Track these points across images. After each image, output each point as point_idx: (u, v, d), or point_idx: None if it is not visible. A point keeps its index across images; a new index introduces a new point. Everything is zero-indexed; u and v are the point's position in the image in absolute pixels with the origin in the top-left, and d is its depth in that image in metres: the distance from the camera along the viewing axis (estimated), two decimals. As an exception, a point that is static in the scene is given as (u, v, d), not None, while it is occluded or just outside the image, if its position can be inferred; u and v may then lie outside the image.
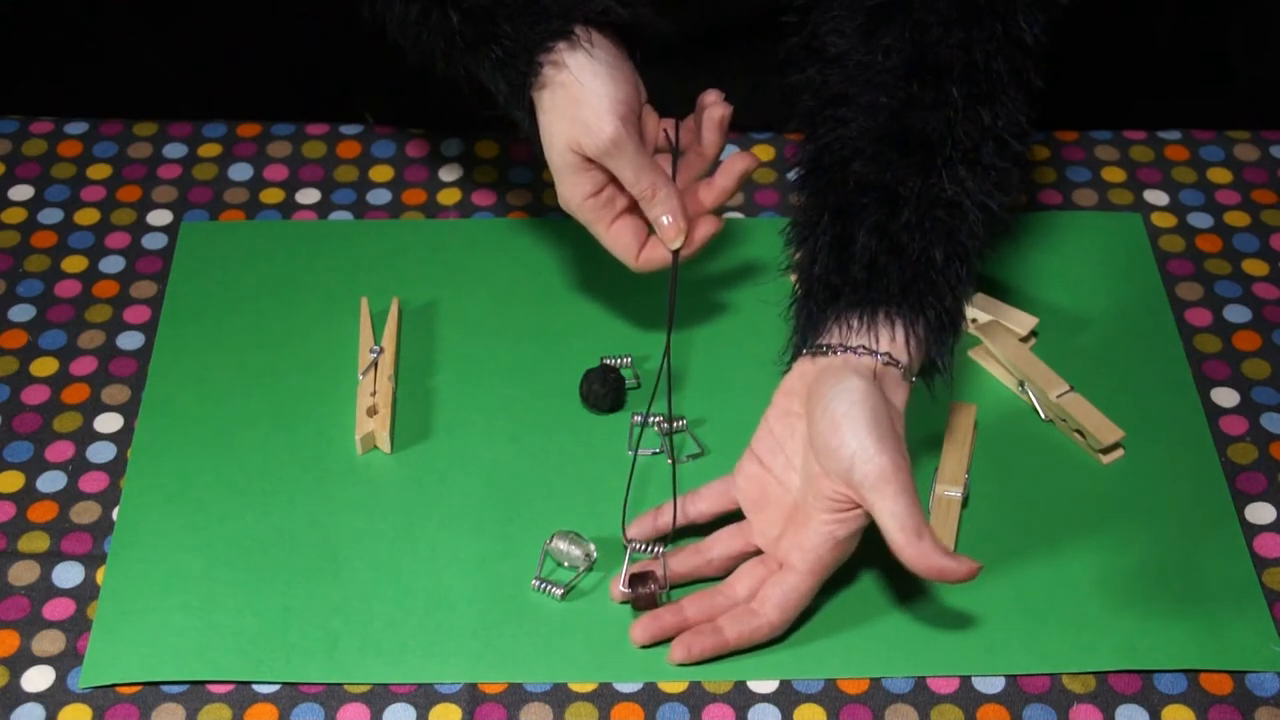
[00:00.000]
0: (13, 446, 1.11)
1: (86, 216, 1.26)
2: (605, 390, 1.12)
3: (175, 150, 1.31)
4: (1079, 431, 1.11)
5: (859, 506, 0.96)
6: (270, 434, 1.12)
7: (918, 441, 1.11)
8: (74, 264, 1.22)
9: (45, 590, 1.04)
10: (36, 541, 1.06)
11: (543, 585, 1.04)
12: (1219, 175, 1.29)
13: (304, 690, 1.00)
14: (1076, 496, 1.09)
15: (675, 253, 1.07)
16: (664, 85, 1.08)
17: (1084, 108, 1.34)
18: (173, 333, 1.18)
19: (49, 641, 1.02)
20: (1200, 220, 1.26)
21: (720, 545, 1.03)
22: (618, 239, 1.07)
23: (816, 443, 0.97)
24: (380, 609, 1.03)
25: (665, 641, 1.01)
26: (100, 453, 1.11)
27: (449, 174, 1.29)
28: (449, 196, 1.28)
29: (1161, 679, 1.00)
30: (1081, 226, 1.25)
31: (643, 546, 1.04)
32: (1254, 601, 1.03)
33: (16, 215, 1.26)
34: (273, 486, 1.09)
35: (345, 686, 1.00)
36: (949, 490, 1.07)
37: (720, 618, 1.00)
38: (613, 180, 1.06)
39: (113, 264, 1.23)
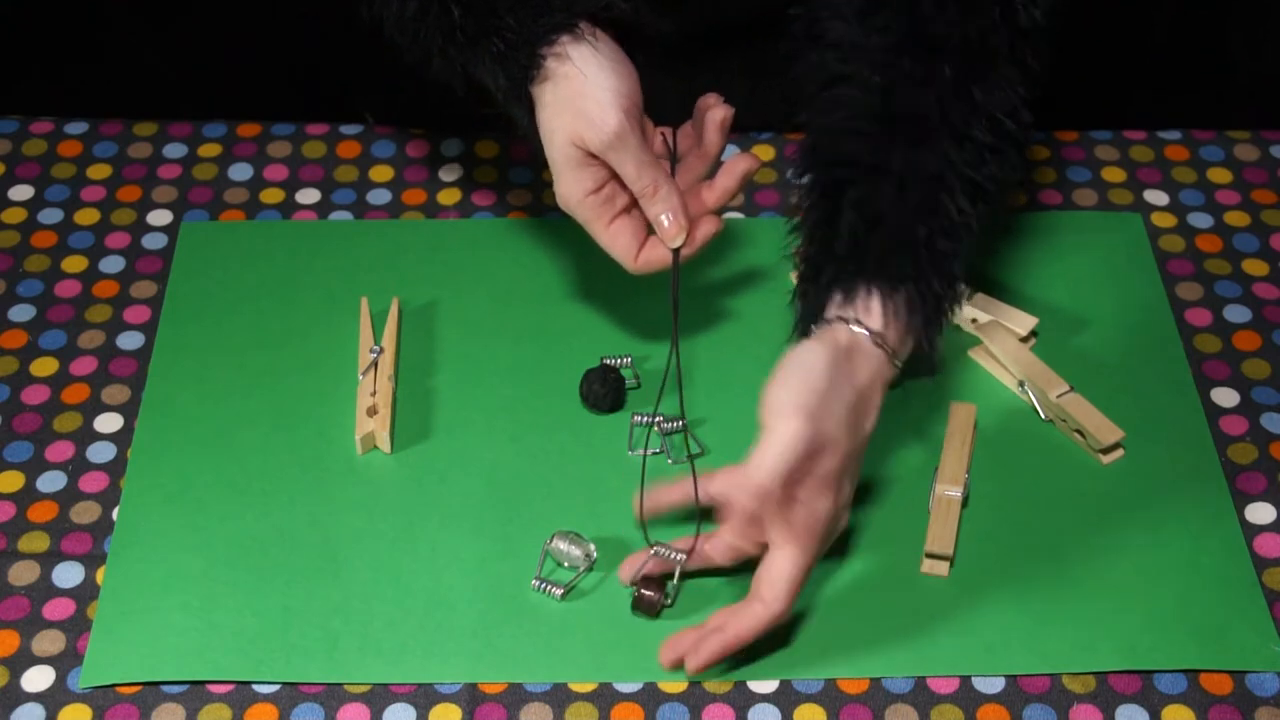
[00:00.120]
0: (13, 446, 1.11)
1: (86, 216, 1.26)
2: (605, 390, 1.12)
3: (175, 150, 1.31)
4: (1079, 431, 1.11)
5: (814, 476, 0.97)
6: (270, 434, 1.12)
7: (918, 441, 1.11)
8: (74, 264, 1.23)
9: (45, 590, 1.04)
10: (36, 541, 1.06)
11: (543, 585, 1.04)
12: (1219, 175, 1.29)
13: (304, 690, 1.00)
14: (1076, 496, 1.09)
15: (676, 252, 1.07)
16: (664, 85, 1.08)
17: (1084, 107, 1.34)
18: (173, 333, 1.18)
19: (49, 641, 1.02)
20: (1200, 220, 1.26)
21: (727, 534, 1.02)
22: (616, 238, 1.06)
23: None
24: (380, 609, 1.03)
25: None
26: (100, 453, 1.11)
27: (449, 174, 1.29)
28: (449, 196, 1.28)
29: (1161, 679, 1.00)
30: (1081, 226, 1.25)
31: (669, 553, 1.02)
32: (1254, 601, 1.03)
33: (16, 215, 1.26)
34: (273, 486, 1.09)
35: (345, 686, 1.00)
36: (949, 490, 1.07)
37: (719, 617, 0.99)
38: (613, 177, 1.05)
39: (113, 264, 1.23)
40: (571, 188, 1.05)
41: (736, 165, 1.08)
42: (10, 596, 1.04)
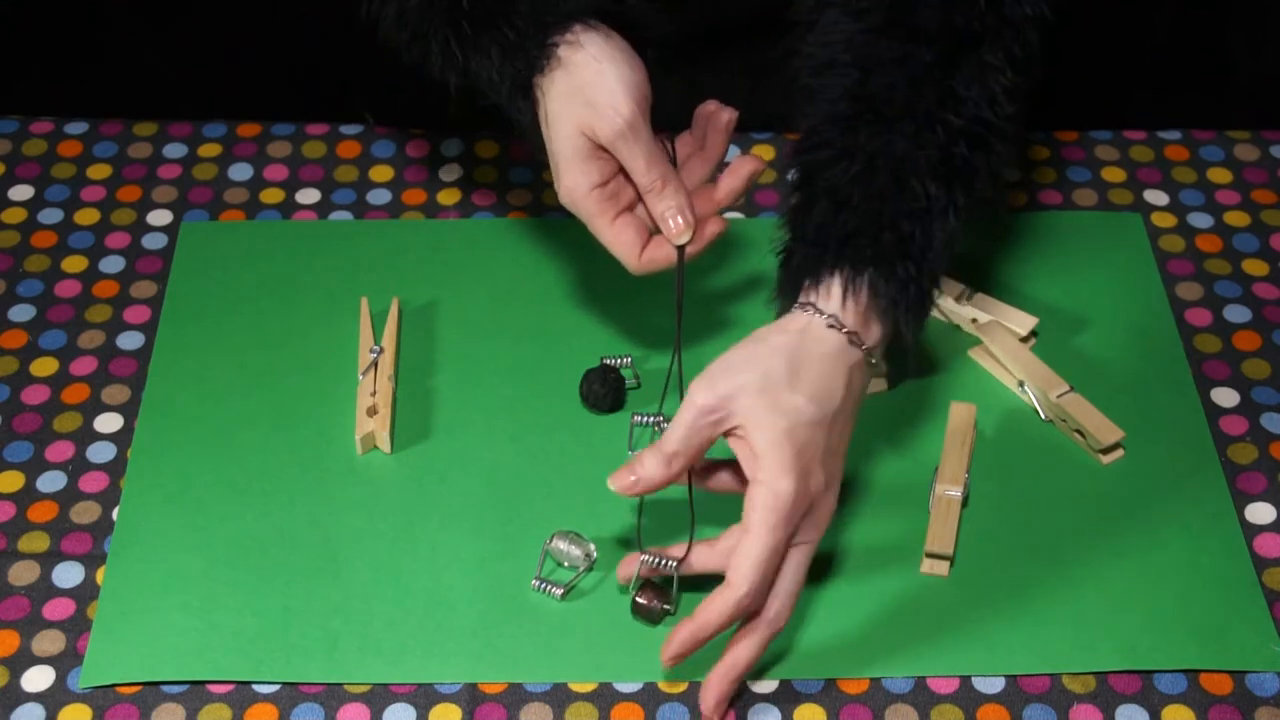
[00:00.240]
0: (13, 446, 1.11)
1: (86, 216, 1.26)
2: (605, 390, 1.12)
3: (175, 150, 1.31)
4: (1079, 431, 1.11)
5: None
6: (270, 434, 1.12)
7: (918, 441, 1.11)
8: (74, 264, 1.23)
9: (45, 590, 1.04)
10: (36, 541, 1.06)
11: (543, 585, 1.04)
12: (1219, 175, 1.30)
13: (304, 690, 1.00)
14: (1076, 496, 1.09)
15: (681, 250, 1.06)
16: (664, 85, 1.08)
17: (1084, 107, 1.34)
18: (173, 333, 1.18)
19: (49, 641, 1.02)
20: (1200, 220, 1.26)
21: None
22: (620, 236, 1.05)
23: None
24: (380, 609, 1.03)
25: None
26: (100, 453, 1.11)
27: (449, 174, 1.29)
28: (449, 196, 1.28)
29: (1161, 679, 1.00)
30: (1081, 226, 1.25)
31: (662, 561, 1.02)
32: (1254, 601, 1.03)
33: (16, 215, 1.26)
34: (273, 486, 1.09)
35: (345, 686, 1.00)
36: (949, 490, 1.07)
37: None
38: (618, 172, 1.05)
39: (113, 264, 1.23)
40: (578, 180, 1.04)
41: (742, 166, 1.07)
42: (10, 596, 1.04)
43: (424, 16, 1.04)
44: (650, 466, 0.97)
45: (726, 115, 1.08)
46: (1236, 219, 1.26)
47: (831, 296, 0.99)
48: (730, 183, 1.07)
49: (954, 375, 1.16)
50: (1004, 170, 1.04)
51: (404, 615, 1.03)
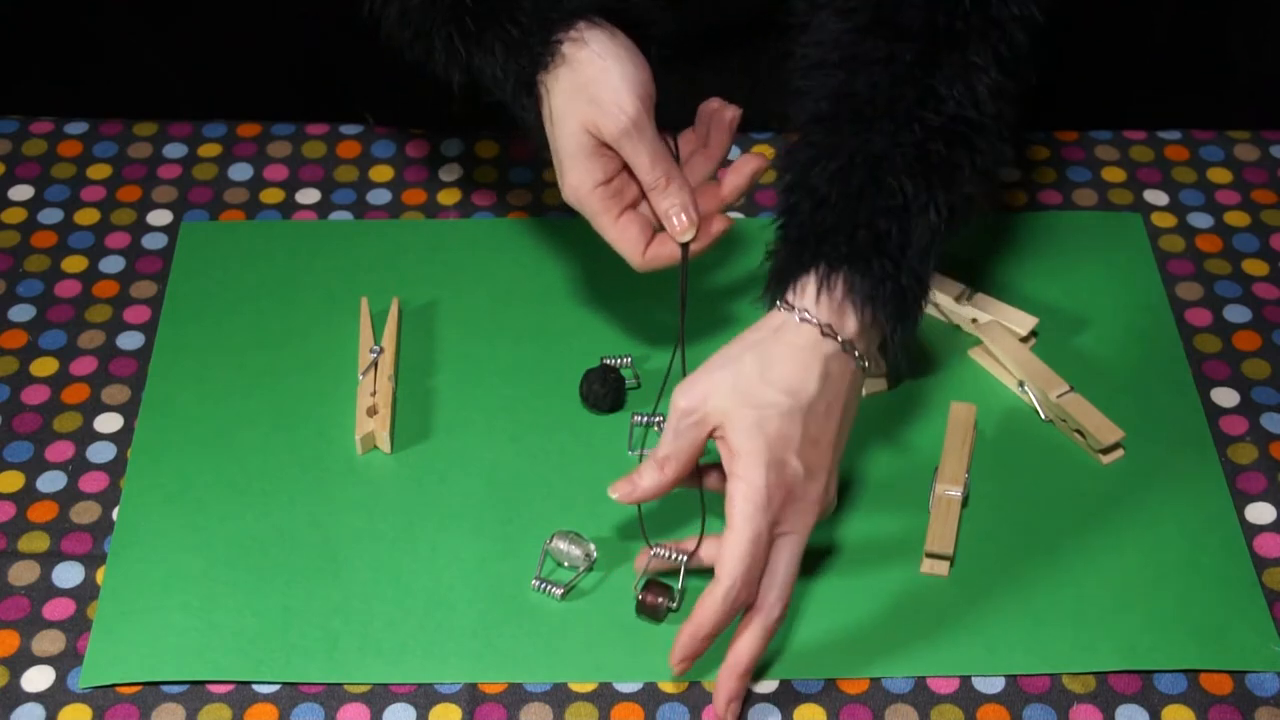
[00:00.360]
0: (13, 446, 1.11)
1: (86, 216, 1.26)
2: (605, 390, 1.12)
3: (175, 150, 1.31)
4: (1079, 431, 1.11)
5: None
6: (270, 434, 1.12)
7: (918, 441, 1.11)
8: (74, 264, 1.23)
9: (45, 590, 1.04)
10: (36, 541, 1.06)
11: (543, 585, 1.04)
12: (1219, 175, 1.30)
13: (304, 690, 1.00)
14: (1076, 496, 1.09)
15: (685, 247, 1.06)
16: (664, 84, 1.08)
17: (1084, 107, 1.34)
18: (173, 333, 1.18)
19: (49, 641, 1.02)
20: (1200, 220, 1.26)
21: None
22: (624, 233, 1.05)
23: None
24: (380, 609, 1.03)
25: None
26: (100, 453, 1.11)
27: (449, 174, 1.29)
28: (449, 196, 1.28)
29: (1161, 679, 1.00)
30: (1081, 226, 1.25)
31: (670, 554, 1.03)
32: (1254, 601, 1.03)
33: (16, 215, 1.26)
34: (273, 486, 1.09)
35: (345, 686, 1.00)
36: (949, 490, 1.07)
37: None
38: (622, 170, 1.05)
39: (113, 264, 1.23)
40: (582, 178, 1.04)
41: (747, 164, 1.08)
42: (10, 596, 1.04)
43: (427, 14, 1.04)
44: (646, 474, 0.98)
45: (730, 113, 1.08)
46: (1236, 219, 1.26)
47: (806, 293, 0.99)
48: (734, 180, 1.08)
49: (954, 375, 1.16)
50: (996, 168, 1.03)
51: (404, 615, 1.03)
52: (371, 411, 1.11)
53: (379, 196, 1.27)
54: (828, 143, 1.00)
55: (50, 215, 1.26)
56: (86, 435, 1.12)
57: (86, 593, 1.04)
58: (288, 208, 1.27)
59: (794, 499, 0.97)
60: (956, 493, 1.07)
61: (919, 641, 1.02)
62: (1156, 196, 1.28)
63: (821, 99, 1.02)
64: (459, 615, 1.03)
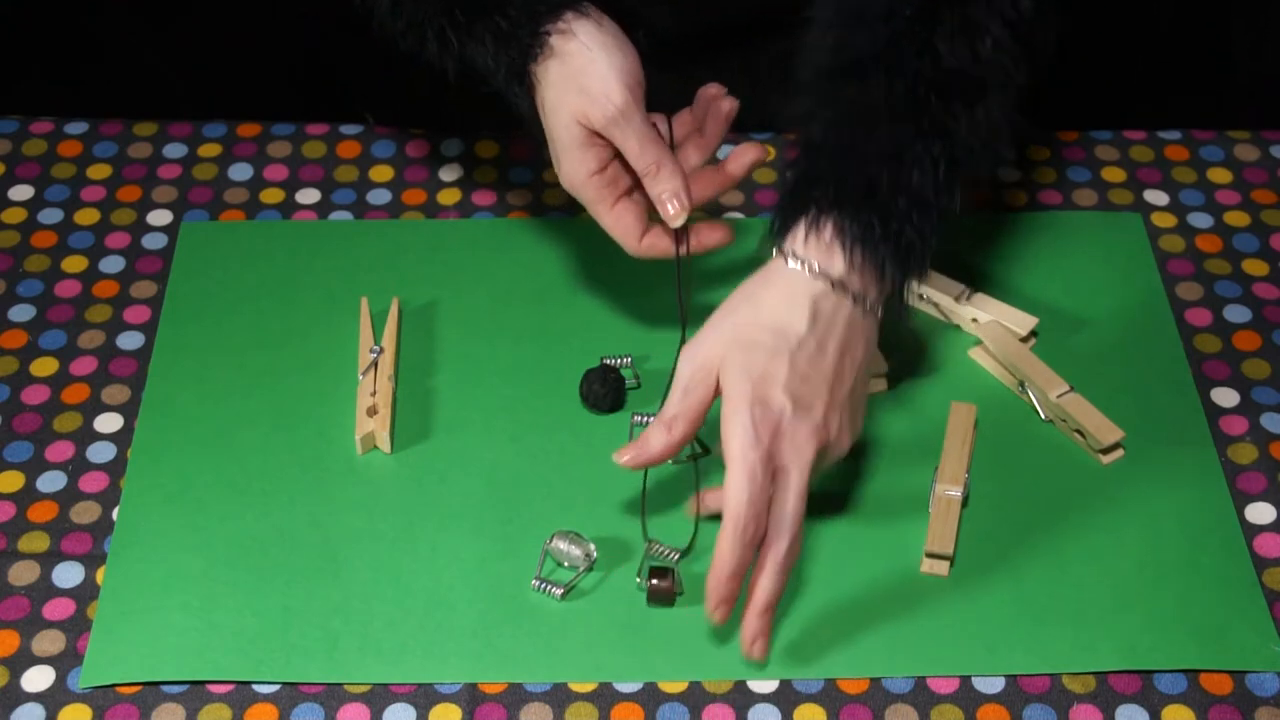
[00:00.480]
0: (13, 446, 1.11)
1: (86, 216, 1.26)
2: (605, 390, 1.12)
3: (175, 150, 1.31)
4: (1079, 431, 1.11)
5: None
6: (270, 434, 1.12)
7: (918, 441, 1.11)
8: (74, 264, 1.23)
9: (45, 590, 1.04)
10: (36, 541, 1.06)
11: (543, 585, 1.04)
12: (1219, 175, 1.29)
13: (304, 690, 1.00)
14: (1076, 496, 1.09)
15: (679, 233, 1.07)
16: (663, 84, 1.08)
17: (1084, 107, 1.34)
18: (173, 333, 1.18)
19: (49, 641, 1.02)
20: (1200, 220, 1.26)
21: None
22: (620, 220, 1.06)
23: None
24: (380, 609, 1.03)
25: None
26: (100, 453, 1.11)
27: (449, 174, 1.29)
28: (449, 196, 1.28)
29: (1161, 679, 1.00)
30: (1081, 226, 1.25)
31: (663, 550, 1.04)
32: (1254, 601, 1.03)
33: (16, 215, 1.26)
34: (273, 486, 1.09)
35: (345, 686, 1.00)
36: (949, 490, 1.07)
37: None
38: (616, 157, 1.05)
39: (113, 264, 1.23)
40: (575, 168, 1.05)
41: (746, 154, 1.08)
42: (10, 596, 1.04)
43: (418, 5, 1.05)
44: (654, 436, 0.99)
45: (728, 105, 1.08)
46: (1236, 219, 1.26)
47: (796, 238, 1.00)
48: (733, 169, 1.09)
49: (954, 375, 1.16)
50: (1001, 123, 1.03)
51: (404, 615, 1.03)
52: (371, 411, 1.11)
53: (379, 196, 1.27)
54: (826, 94, 1.01)
55: (50, 215, 1.26)
56: (86, 435, 1.12)
57: (86, 593, 1.04)
58: (288, 208, 1.27)
59: (782, 434, 0.98)
60: (956, 493, 1.07)
61: (919, 641, 1.02)
62: (1156, 196, 1.28)
63: (822, 54, 1.02)
64: (459, 615, 1.03)
